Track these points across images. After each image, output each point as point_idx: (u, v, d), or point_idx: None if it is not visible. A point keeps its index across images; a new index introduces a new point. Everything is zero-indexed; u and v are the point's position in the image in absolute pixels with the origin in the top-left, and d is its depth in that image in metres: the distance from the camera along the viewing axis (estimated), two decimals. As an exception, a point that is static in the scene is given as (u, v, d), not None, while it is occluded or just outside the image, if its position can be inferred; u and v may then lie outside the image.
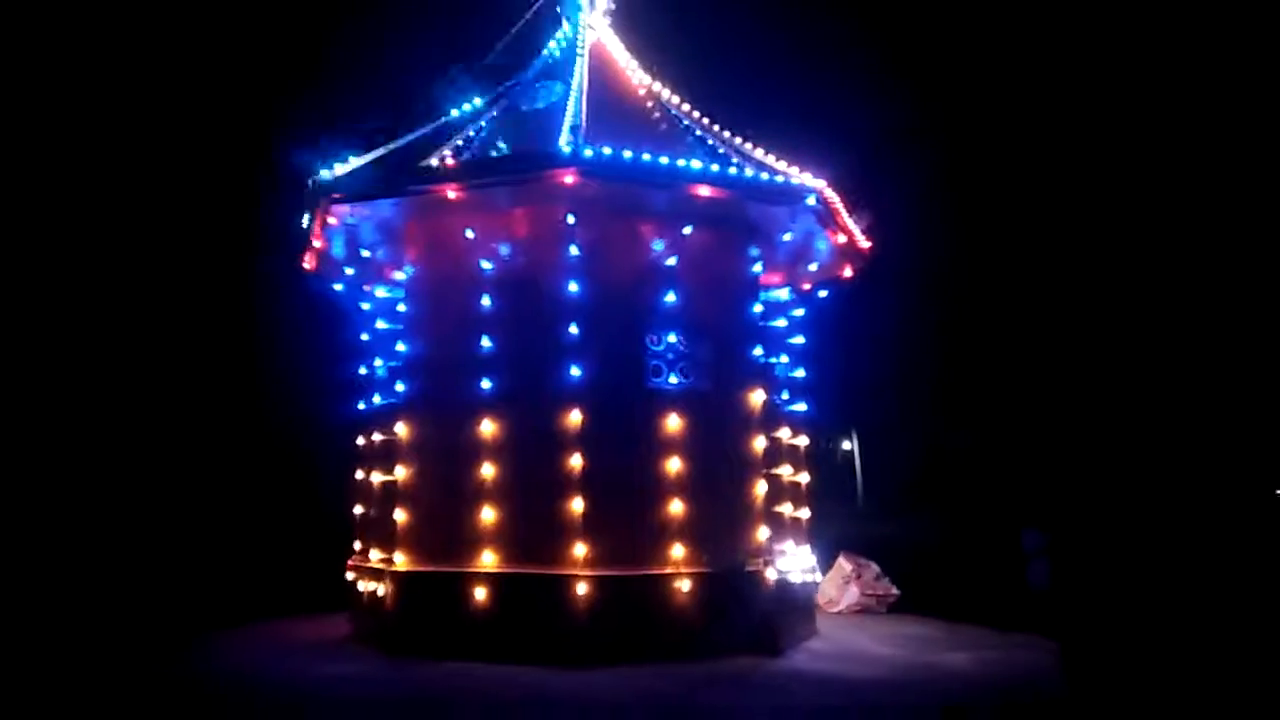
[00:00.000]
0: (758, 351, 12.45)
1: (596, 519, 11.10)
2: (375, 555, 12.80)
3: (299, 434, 17.00)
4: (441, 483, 11.79)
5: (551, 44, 14.59)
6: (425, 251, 12.23)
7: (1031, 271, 17.63)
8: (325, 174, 11.74)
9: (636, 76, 14.20)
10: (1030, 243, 17.36)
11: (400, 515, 11.93)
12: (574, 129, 11.49)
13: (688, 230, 11.72)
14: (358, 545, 14.05)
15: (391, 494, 12.14)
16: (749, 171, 11.74)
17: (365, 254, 12.36)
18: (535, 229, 11.60)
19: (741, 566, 11.65)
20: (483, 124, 13.21)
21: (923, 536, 16.78)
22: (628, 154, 10.85)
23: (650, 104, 13.72)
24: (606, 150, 10.74)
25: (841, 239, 13.09)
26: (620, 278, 11.73)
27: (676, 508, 11.50)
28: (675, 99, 13.93)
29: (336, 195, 11.74)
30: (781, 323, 13.57)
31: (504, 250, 11.86)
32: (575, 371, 11.35)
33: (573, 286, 11.50)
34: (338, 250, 13.25)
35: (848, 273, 14.16)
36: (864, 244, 13.45)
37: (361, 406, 14.33)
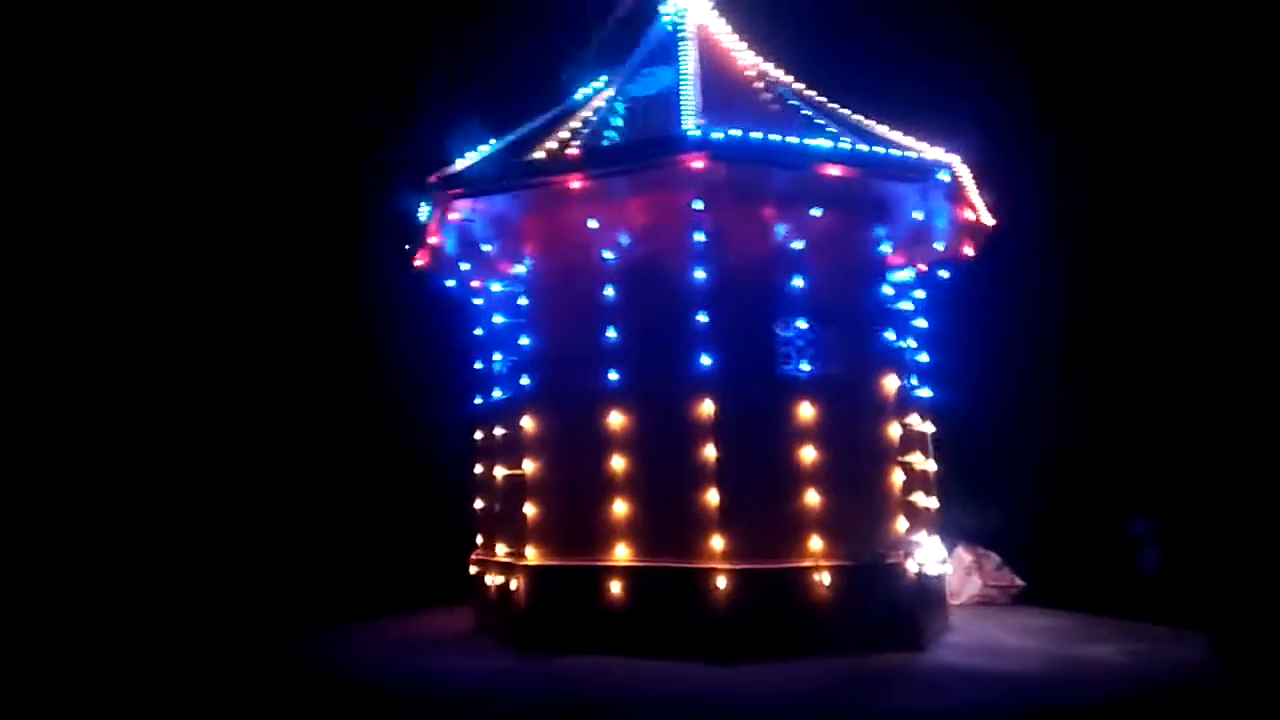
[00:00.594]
0: (889, 335, 12.02)
1: (733, 510, 10.84)
2: (501, 549, 12.78)
3: (417, 430, 17.09)
4: (571, 476, 11.67)
5: (655, 28, 14.28)
6: (544, 243, 12.09)
7: (1158, 256, 16.66)
8: (446, 169, 11.68)
9: (744, 57, 13.80)
10: (1161, 228, 16.39)
11: (530, 509, 11.85)
12: (695, 113, 11.21)
13: (817, 212, 11.35)
14: (480, 539, 14.08)
15: (519, 488, 12.06)
16: (877, 149, 11.29)
17: (486, 249, 12.24)
18: (659, 216, 11.36)
19: (883, 559, 11.27)
20: (592, 113, 13.00)
21: (1028, 524, 16.18)
22: (756, 135, 10.52)
23: (761, 85, 13.33)
24: (735, 132, 10.43)
25: (969, 215, 12.57)
26: (746, 263, 11.42)
27: (813, 498, 11.18)
28: (786, 77, 13.52)
29: (457, 190, 11.66)
30: (907, 305, 13.09)
31: (626, 239, 11.66)
32: (705, 360, 11.09)
33: (699, 274, 11.23)
34: (452, 246, 13.21)
35: (969, 251, 13.62)
36: (989, 220, 12.91)
37: (479, 401, 14.35)
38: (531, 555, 11.75)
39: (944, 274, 14.15)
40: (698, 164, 10.48)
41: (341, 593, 15.03)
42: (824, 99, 13.16)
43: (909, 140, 11.91)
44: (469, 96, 18.18)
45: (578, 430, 11.66)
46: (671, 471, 11.13)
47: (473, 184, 11.59)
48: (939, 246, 13.29)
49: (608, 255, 11.69)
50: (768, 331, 11.45)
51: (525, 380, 12.13)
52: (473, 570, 14.02)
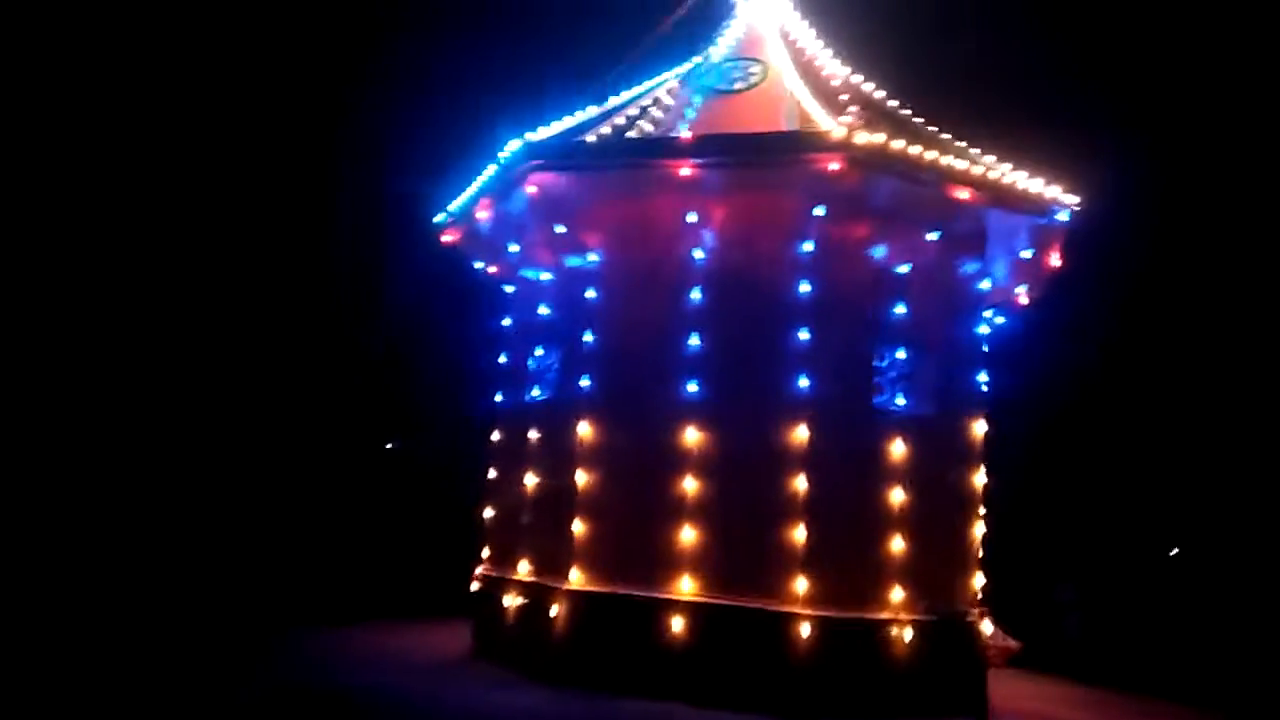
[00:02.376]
0: (982, 377, 11.23)
1: (820, 551, 9.80)
2: (525, 567, 11.38)
3: (417, 428, 15.50)
4: (633, 494, 10.41)
5: (734, 24, 13.29)
6: (622, 233, 10.82)
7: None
8: (531, 135, 10.36)
9: (830, 65, 12.91)
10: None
11: (579, 526, 10.51)
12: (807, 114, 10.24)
13: (933, 236, 10.48)
14: (488, 552, 12.64)
15: (563, 501, 10.71)
16: (1006, 176, 10.52)
17: (560, 229, 10.85)
18: (767, 219, 10.28)
19: (963, 617, 10.41)
20: (671, 100, 11.89)
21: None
22: (899, 144, 9.59)
23: (847, 95, 12.45)
24: (880, 137, 9.48)
25: (1055, 260, 11.88)
26: (851, 282, 10.46)
27: (898, 545, 10.25)
28: (868, 86, 12.64)
29: (539, 161, 10.34)
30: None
31: (721, 239, 10.53)
32: (803, 383, 10.05)
33: (804, 287, 10.21)
34: (500, 224, 11.83)
35: (1025, 296, 12.88)
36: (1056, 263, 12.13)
37: (501, 399, 12.96)
38: (576, 579, 10.40)
39: (1000, 320, 13.50)
40: (834, 165, 9.46)
41: (324, 592, 13.37)
42: (911, 114, 12.35)
43: (1016, 171, 11.15)
44: (526, 77, 16.77)
45: (646, 443, 10.42)
46: (752, 500, 10.01)
47: (566, 156, 10.30)
48: (1020, 290, 12.59)
49: (698, 254, 10.54)
50: (866, 359, 10.51)
51: (585, 381, 10.80)
52: (475, 586, 12.57)
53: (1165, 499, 15.62)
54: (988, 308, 11.87)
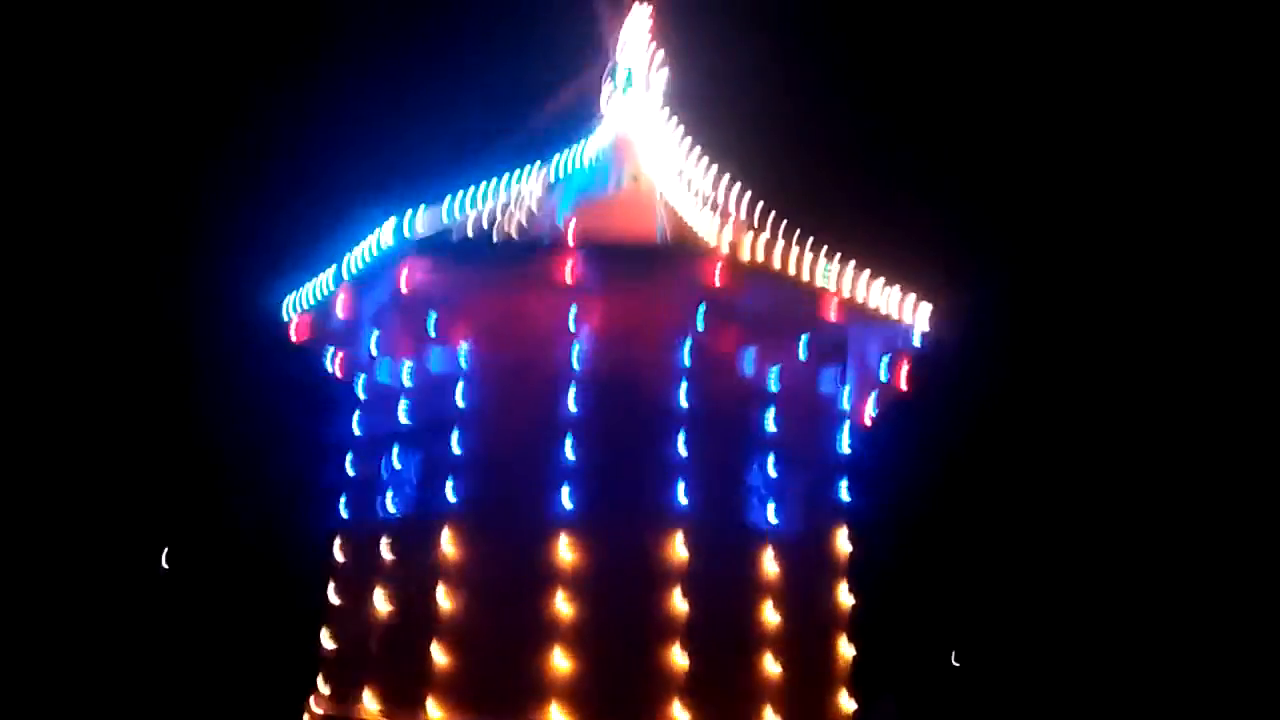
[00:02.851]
0: (844, 488, 11.35)
1: (699, 675, 9.36)
2: (371, 701, 10.23)
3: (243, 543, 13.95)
4: (500, 615, 9.64)
5: (604, 126, 13.38)
6: (495, 331, 10.35)
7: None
8: (406, 224, 9.83)
9: (698, 171, 13.07)
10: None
11: (439, 654, 9.59)
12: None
13: (800, 345, 10.59)
14: (325, 682, 11.35)
15: (420, 624, 9.79)
16: (870, 295, 10.87)
17: (430, 322, 10.15)
18: (645, 325, 10.11)
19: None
20: (548, 197, 11.73)
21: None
22: (776, 255, 9.77)
23: (717, 203, 12.66)
24: (758, 247, 9.63)
25: (903, 382, 12.32)
26: (726, 391, 10.41)
27: (772, 667, 9.97)
28: (741, 197, 12.88)
29: (413, 251, 9.81)
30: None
31: (594, 343, 10.24)
32: (683, 498, 9.77)
33: (685, 396, 10.05)
34: (353, 319, 11.11)
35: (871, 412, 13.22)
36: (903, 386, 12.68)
37: (345, 514, 11.90)
38: (435, 712, 9.42)
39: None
40: (714, 274, 9.46)
41: None
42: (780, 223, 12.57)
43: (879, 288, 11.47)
44: (380, 160, 16.15)
45: (515, 559, 9.75)
46: (629, 621, 9.49)
47: (441, 249, 9.81)
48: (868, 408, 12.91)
49: (573, 358, 10.20)
50: (740, 472, 10.39)
51: (449, 491, 10.06)
52: (309, 721, 11.23)
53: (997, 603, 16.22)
54: (844, 423, 12.10)
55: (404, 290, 9.99)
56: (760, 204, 12.41)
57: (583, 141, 12.82)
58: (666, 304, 9.94)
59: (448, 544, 9.88)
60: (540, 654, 9.40)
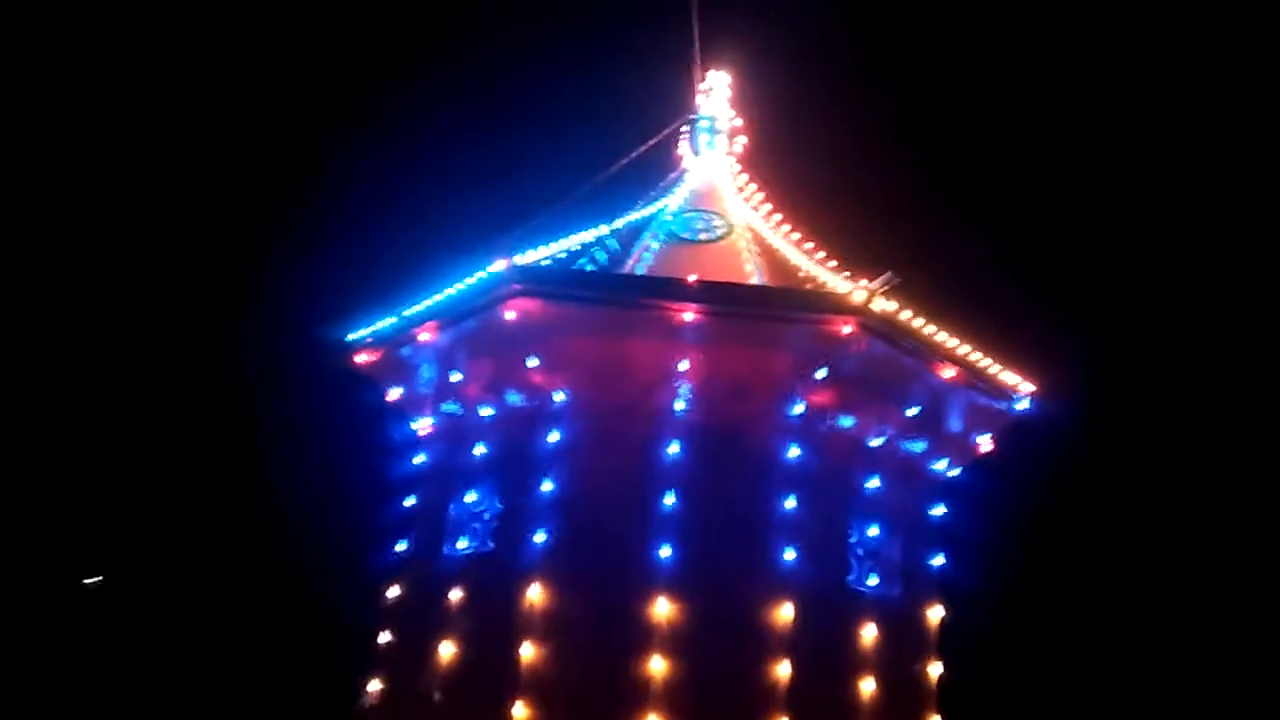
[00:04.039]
0: (938, 560, 10.90)
1: (795, 748, 8.79)
2: (435, 757, 9.53)
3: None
4: (591, 674, 9.01)
5: (690, 175, 13.09)
6: (599, 373, 9.84)
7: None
8: (519, 258, 9.39)
9: (779, 232, 12.86)
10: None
11: (522, 713, 8.92)
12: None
13: (913, 411, 10.25)
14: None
15: (504, 679, 9.13)
16: (980, 360, 10.52)
17: (532, 362, 9.68)
18: (758, 377, 9.67)
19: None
20: (648, 245, 11.41)
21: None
22: (907, 315, 9.40)
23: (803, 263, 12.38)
24: (894, 305, 9.25)
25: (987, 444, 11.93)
26: (833, 450, 9.99)
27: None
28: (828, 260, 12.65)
29: (523, 285, 9.33)
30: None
31: (702, 393, 9.77)
32: (789, 555, 9.27)
33: (794, 452, 9.59)
34: (438, 352, 10.63)
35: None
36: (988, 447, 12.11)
37: (402, 548, 11.25)
38: (516, 773, 8.74)
39: None
40: (847, 329, 9.09)
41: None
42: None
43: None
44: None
45: (608, 613, 9.15)
46: (728, 689, 8.90)
47: (557, 284, 9.36)
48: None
49: (679, 406, 9.72)
50: (843, 536, 9.97)
51: (540, 536, 9.47)
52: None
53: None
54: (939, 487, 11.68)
55: (510, 324, 9.52)
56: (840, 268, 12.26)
57: (674, 191, 12.54)
58: (787, 355, 9.53)
59: (536, 590, 9.28)
60: (634, 716, 8.80)
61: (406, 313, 10.67)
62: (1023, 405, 10.94)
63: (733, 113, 13.64)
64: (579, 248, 11.26)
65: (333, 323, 11.72)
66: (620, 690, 8.87)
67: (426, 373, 11.12)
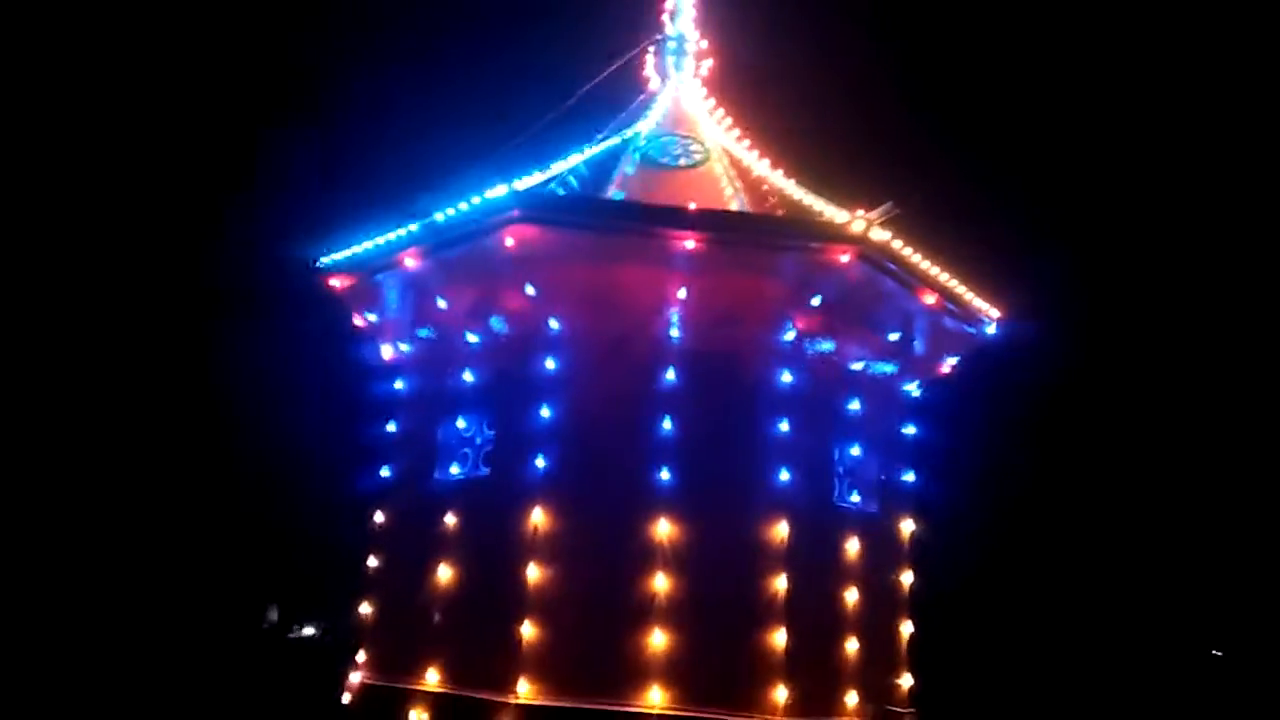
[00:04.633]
0: (909, 476, 11.45)
1: (797, 655, 9.30)
2: (437, 677, 9.74)
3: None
4: (595, 592, 9.29)
5: (661, 98, 12.96)
6: (594, 301, 9.86)
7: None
8: (517, 184, 9.22)
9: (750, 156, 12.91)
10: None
11: (529, 630, 9.17)
12: None
13: (894, 336, 10.61)
14: (366, 655, 10.75)
15: (510, 599, 9.34)
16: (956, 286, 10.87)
17: (530, 290, 9.59)
18: (753, 304, 9.83)
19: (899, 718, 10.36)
20: (624, 171, 11.33)
21: None
22: (900, 245, 9.66)
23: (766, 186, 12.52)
24: (888, 234, 9.48)
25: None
26: (820, 375, 10.30)
27: (853, 647, 10.03)
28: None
29: (523, 212, 9.20)
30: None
31: (696, 319, 9.91)
32: (784, 476, 9.63)
33: (785, 377, 9.88)
34: (421, 279, 10.47)
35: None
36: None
37: (386, 473, 11.24)
38: (526, 692, 9.01)
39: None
40: (844, 258, 9.30)
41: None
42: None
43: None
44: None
45: (611, 534, 9.40)
46: (730, 602, 9.31)
47: (559, 211, 9.26)
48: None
49: (674, 334, 9.87)
50: (828, 456, 10.38)
51: (541, 461, 9.58)
52: (348, 697, 10.61)
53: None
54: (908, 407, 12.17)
55: (508, 249, 9.41)
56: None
57: (645, 115, 12.39)
58: (781, 282, 9.71)
59: (539, 514, 9.44)
60: (639, 634, 9.15)
61: (392, 236, 10.43)
62: (991, 330, 11.47)
63: (698, 34, 13.52)
64: (552, 174, 11.19)
65: (308, 245, 11.44)
66: (625, 607, 9.19)
67: (404, 299, 10.96)
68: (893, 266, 9.73)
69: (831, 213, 10.08)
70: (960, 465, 13.30)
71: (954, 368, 11.95)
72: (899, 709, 10.52)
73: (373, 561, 11.11)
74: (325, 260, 11.26)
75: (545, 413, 9.70)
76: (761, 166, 12.01)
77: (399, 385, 11.52)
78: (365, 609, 11.00)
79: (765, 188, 11.90)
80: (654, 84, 13.33)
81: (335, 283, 11.34)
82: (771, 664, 9.20)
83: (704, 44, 13.44)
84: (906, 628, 11.08)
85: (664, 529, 9.39)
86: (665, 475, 9.52)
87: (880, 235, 9.35)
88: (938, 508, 11.97)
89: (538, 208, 9.25)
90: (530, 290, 9.69)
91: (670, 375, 9.77)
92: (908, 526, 11.30)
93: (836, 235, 9.32)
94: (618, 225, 9.47)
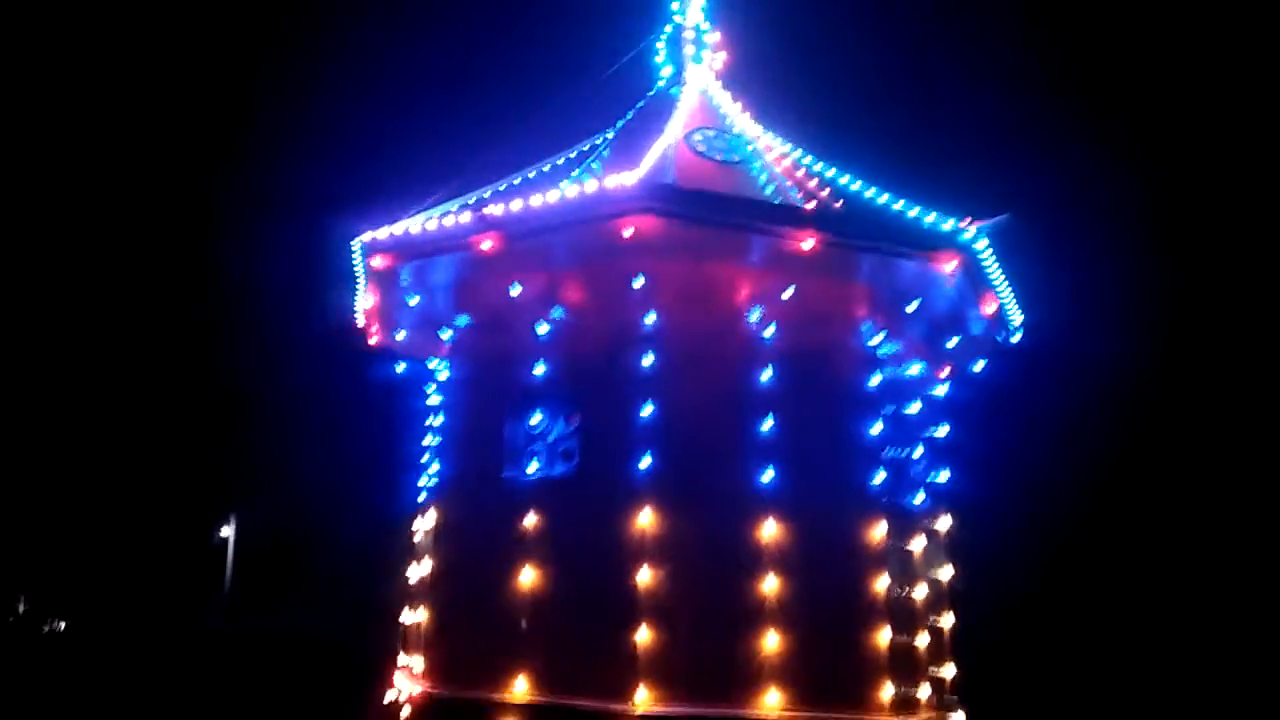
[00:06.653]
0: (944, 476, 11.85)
1: (898, 653, 9.52)
2: (525, 686, 9.22)
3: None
4: (707, 595, 9.08)
5: (686, 91, 12.78)
6: (691, 297, 9.58)
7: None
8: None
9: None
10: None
11: (644, 635, 8.84)
12: None
13: (953, 343, 10.99)
14: (422, 664, 10.03)
15: (621, 604, 8.97)
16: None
17: (638, 283, 9.16)
18: (848, 306, 9.95)
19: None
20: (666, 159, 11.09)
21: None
22: (992, 258, 10.00)
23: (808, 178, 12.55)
24: (989, 247, 9.78)
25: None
26: (893, 381, 10.57)
27: (923, 641, 10.32)
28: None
29: (650, 204, 8.85)
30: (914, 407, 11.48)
31: (788, 319, 9.85)
32: (880, 477, 9.80)
33: (875, 379, 10.04)
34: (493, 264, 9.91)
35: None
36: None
37: (436, 471, 10.53)
38: (644, 699, 8.68)
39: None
40: (950, 265, 9.55)
41: None
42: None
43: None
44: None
45: (719, 536, 9.21)
46: (838, 601, 9.38)
47: (690, 205, 8.95)
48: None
49: (767, 333, 9.77)
50: (847, 446, 10.30)
51: (646, 460, 9.23)
52: (408, 711, 9.86)
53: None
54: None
55: (624, 240, 9.00)
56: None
57: (675, 109, 12.18)
58: (878, 286, 9.87)
59: (648, 516, 9.10)
60: (751, 636, 9.03)
61: (466, 218, 9.74)
62: (1016, 338, 12.10)
63: (710, 26, 13.44)
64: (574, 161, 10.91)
65: (351, 222, 10.47)
66: (740, 610, 9.06)
67: (454, 284, 10.31)
68: (986, 278, 10.08)
69: (938, 219, 10.15)
70: (990, 463, 13.95)
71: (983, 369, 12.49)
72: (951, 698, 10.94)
73: (420, 568, 10.33)
74: (367, 237, 10.36)
75: (647, 410, 9.36)
76: (803, 160, 12.00)
77: (443, 377, 10.79)
78: (415, 617, 10.22)
79: (813, 184, 11.94)
80: (673, 75, 13.12)
81: (376, 261, 10.44)
82: (878, 662, 9.36)
83: (716, 36, 13.37)
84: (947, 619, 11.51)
85: (770, 529, 9.32)
86: (770, 475, 9.45)
87: (985, 246, 9.69)
88: (973, 506, 12.54)
89: (671, 200, 8.91)
90: (639, 282, 9.34)
91: (768, 374, 9.69)
92: (944, 524, 11.74)
93: (947, 243, 9.57)
94: (742, 222, 9.26)
